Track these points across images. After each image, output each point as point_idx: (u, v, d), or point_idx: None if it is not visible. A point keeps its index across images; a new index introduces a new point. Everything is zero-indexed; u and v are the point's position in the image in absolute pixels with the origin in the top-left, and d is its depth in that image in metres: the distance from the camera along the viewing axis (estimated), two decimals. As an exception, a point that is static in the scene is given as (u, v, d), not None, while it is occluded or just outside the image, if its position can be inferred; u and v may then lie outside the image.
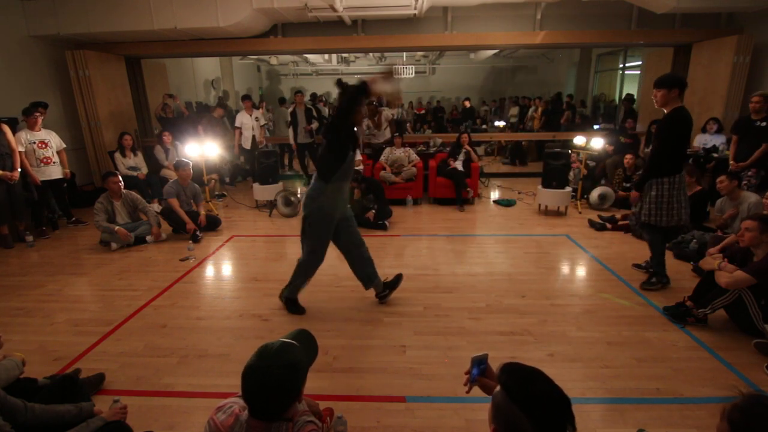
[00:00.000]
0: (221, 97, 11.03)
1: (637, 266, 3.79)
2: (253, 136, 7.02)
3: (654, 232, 3.33)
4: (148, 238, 4.68)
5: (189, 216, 4.77)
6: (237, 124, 7.00)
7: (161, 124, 6.97)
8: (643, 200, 3.26)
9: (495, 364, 2.62)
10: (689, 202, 3.31)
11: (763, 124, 4.57)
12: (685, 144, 3.13)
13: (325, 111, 11.36)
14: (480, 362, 1.40)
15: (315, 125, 7.23)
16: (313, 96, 12.20)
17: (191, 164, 4.98)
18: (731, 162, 4.89)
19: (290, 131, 7.23)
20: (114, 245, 4.50)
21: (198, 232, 4.75)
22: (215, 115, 7.54)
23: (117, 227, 4.46)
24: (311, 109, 7.37)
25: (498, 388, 1.00)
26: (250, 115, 6.99)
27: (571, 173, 6.06)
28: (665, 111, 3.08)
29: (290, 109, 7.39)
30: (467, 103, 12.40)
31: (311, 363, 1.33)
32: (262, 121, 7.21)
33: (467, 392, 1.39)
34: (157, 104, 7.28)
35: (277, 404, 1.20)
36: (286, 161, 9.13)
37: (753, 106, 4.62)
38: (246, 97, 7.18)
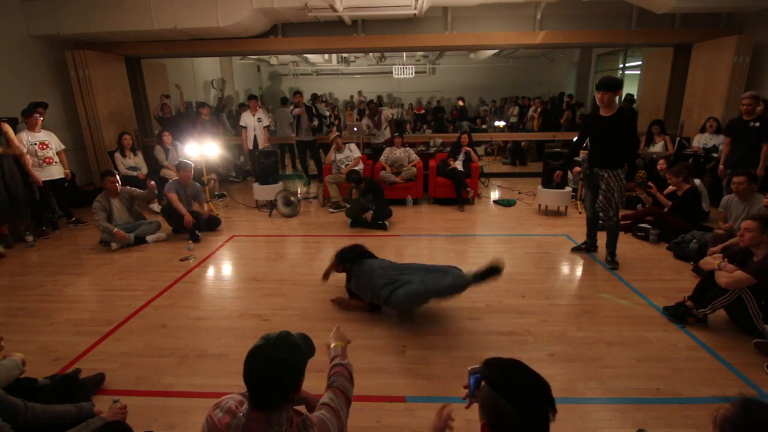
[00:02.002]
0: (220, 98, 11.01)
1: (578, 249, 4.19)
2: (255, 137, 7.01)
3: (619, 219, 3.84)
4: (149, 238, 4.68)
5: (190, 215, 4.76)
6: (241, 123, 7.02)
7: (160, 124, 6.97)
8: (611, 195, 3.66)
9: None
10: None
11: (757, 124, 4.49)
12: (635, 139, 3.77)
13: (325, 111, 11.41)
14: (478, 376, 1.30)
15: (315, 123, 7.27)
16: (314, 96, 12.22)
17: (193, 165, 4.96)
18: (720, 166, 4.83)
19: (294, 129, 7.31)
20: (114, 245, 4.49)
21: (198, 232, 4.75)
22: (202, 115, 7.49)
23: (116, 229, 4.46)
24: (311, 107, 7.41)
25: (482, 382, 1.04)
26: (253, 116, 7.00)
27: (570, 174, 6.06)
28: (606, 111, 3.52)
29: (292, 110, 7.39)
30: (460, 103, 12.49)
31: (309, 357, 1.32)
32: (265, 122, 7.16)
33: (467, 407, 1.30)
34: (155, 106, 7.29)
35: (280, 386, 1.19)
36: (287, 161, 9.12)
37: (744, 108, 4.55)
38: (252, 97, 7.19)
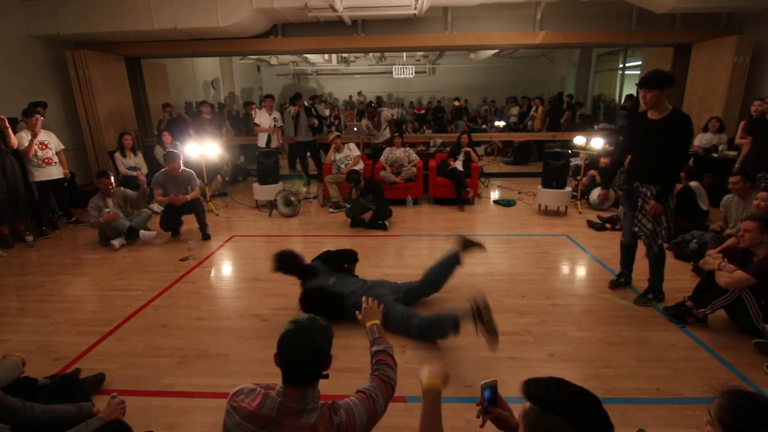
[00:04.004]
0: (222, 102, 11.00)
1: (616, 285, 3.43)
2: (269, 136, 7.01)
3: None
4: (142, 234, 4.61)
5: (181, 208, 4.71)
6: (257, 121, 7.01)
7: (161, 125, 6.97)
8: (660, 216, 2.92)
9: (494, 364, 2.61)
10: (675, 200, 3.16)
11: None
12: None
13: (325, 111, 11.42)
14: (492, 389, 1.25)
15: (315, 121, 7.29)
16: (313, 96, 12.24)
17: (180, 155, 4.77)
18: (737, 165, 4.75)
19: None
20: (116, 244, 4.49)
21: (193, 243, 4.72)
22: (203, 114, 7.41)
23: (103, 217, 4.41)
24: (311, 107, 7.41)
25: (526, 404, 0.97)
26: (269, 115, 6.99)
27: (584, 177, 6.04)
28: (655, 113, 2.84)
29: (289, 110, 7.39)
30: (456, 103, 12.72)
31: (332, 337, 1.38)
32: (279, 122, 7.14)
33: (481, 426, 1.25)
34: (156, 109, 7.29)
35: (314, 364, 1.27)
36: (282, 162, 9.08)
37: None
38: (268, 96, 7.17)
